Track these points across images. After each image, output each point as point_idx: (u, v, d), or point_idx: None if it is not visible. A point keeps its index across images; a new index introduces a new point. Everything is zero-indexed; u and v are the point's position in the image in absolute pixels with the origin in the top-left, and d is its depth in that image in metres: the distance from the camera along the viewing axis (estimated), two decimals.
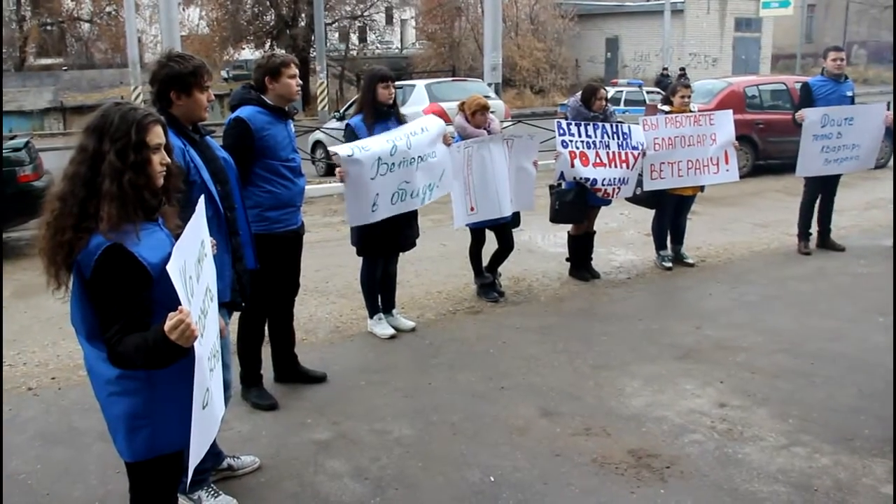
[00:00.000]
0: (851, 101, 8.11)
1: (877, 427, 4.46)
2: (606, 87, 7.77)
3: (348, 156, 5.35)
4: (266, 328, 5.01)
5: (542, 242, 8.72)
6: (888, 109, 8.32)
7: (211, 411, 2.55)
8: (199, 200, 2.75)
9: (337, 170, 5.50)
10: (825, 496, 3.81)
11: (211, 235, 2.96)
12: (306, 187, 5.12)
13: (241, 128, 4.50)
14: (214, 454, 3.85)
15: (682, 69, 27.59)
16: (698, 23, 37.29)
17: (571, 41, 36.78)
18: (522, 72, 33.05)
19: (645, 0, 41.89)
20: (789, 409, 4.73)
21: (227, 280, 3.66)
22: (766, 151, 13.28)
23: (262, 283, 4.46)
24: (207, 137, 3.75)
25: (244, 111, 4.56)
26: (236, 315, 4.59)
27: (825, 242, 8.37)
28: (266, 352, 5.06)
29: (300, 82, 4.78)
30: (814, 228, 8.37)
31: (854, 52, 46.12)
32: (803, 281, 7.34)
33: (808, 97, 8.00)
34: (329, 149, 6.26)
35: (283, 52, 5.32)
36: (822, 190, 8.22)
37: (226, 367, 3.50)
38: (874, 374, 5.13)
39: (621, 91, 20.98)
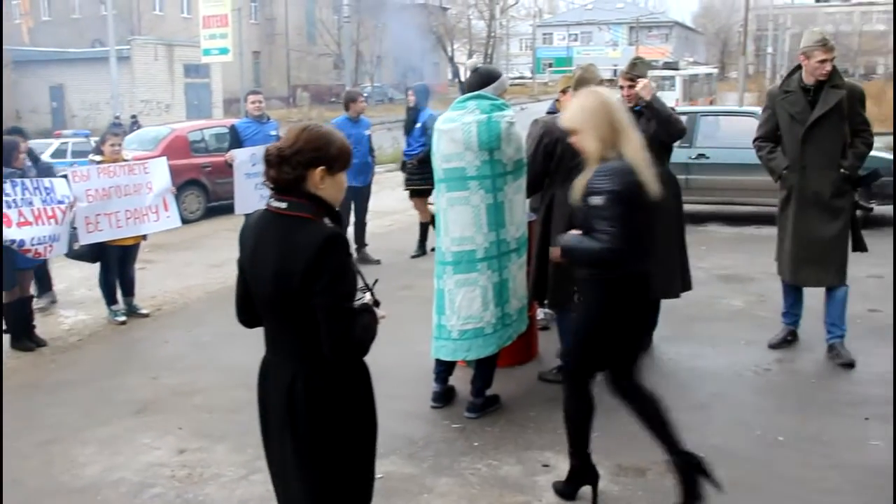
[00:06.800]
0: (276, 138, 8.71)
1: None
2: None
3: None
4: None
5: None
6: None
7: None
8: None
9: None
10: None
11: None
12: None
13: None
14: None
15: (134, 116, 27.22)
16: (147, 69, 37.26)
17: (10, 90, 34.01)
18: None
19: (90, 47, 40.55)
20: (247, 440, 4.85)
21: None
22: (216, 193, 13.54)
23: None
24: None
25: None
26: None
27: None
28: None
29: None
30: None
31: (298, 94, 50.10)
32: None
33: (236, 139, 8.45)
34: None
35: None
36: None
37: None
38: None
39: (67, 142, 19.65)
